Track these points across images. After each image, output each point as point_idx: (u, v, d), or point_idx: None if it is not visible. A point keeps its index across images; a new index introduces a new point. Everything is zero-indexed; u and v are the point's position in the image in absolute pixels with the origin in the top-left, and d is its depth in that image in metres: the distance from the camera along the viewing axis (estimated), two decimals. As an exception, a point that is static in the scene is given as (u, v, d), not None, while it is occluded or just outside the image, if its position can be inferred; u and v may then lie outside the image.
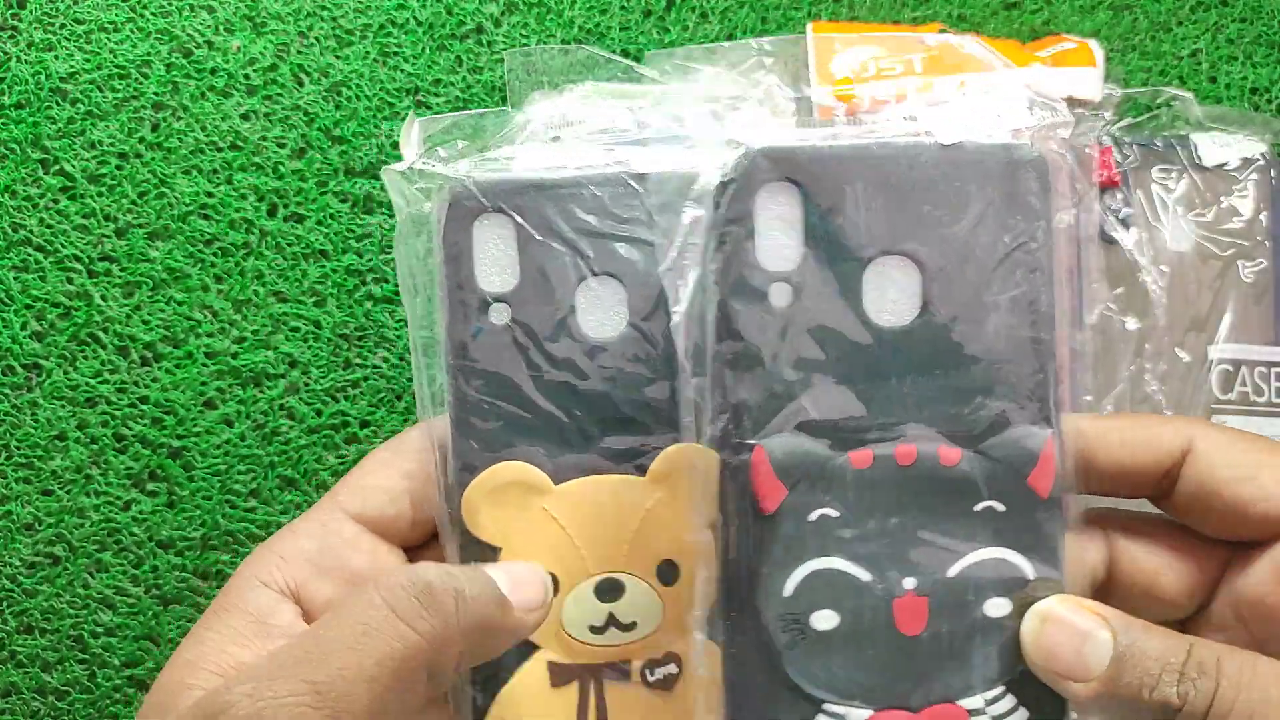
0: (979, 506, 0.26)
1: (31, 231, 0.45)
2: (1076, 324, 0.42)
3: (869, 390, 0.27)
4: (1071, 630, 0.26)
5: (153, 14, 0.45)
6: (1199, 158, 0.43)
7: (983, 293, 0.27)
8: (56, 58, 0.45)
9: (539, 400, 0.31)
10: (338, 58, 0.46)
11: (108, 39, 0.45)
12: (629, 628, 0.32)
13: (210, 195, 0.45)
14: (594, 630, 0.32)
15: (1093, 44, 0.44)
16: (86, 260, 0.45)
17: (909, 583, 0.26)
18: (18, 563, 0.44)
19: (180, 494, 0.44)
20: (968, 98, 0.29)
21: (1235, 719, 0.24)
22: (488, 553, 0.32)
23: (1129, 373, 0.43)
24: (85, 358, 0.44)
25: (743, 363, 0.27)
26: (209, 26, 0.45)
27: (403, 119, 0.45)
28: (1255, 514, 0.28)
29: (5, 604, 0.44)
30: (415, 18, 0.46)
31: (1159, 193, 0.43)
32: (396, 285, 0.44)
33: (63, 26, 0.45)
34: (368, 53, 0.46)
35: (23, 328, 0.44)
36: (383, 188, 0.42)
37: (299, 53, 0.46)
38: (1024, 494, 0.26)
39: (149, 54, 0.45)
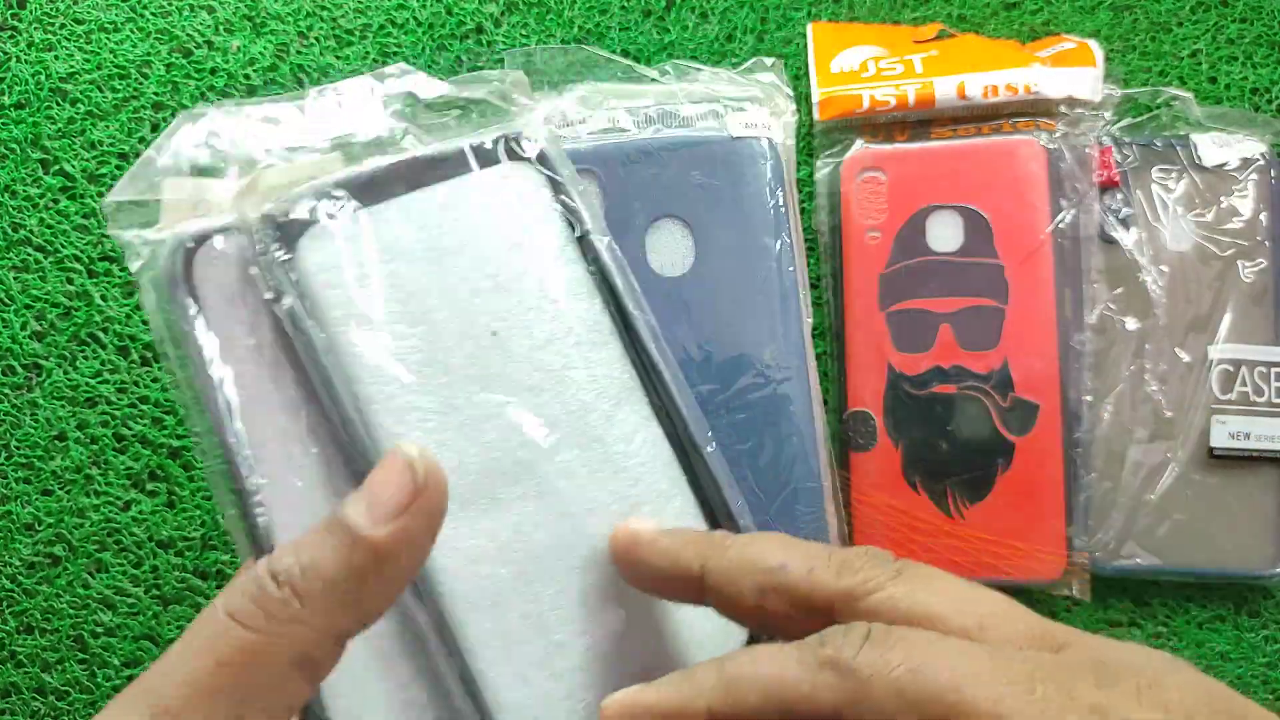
0: None
1: (32, 231, 0.45)
2: (1077, 324, 0.42)
3: None
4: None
5: (153, 14, 0.45)
6: (1199, 158, 0.43)
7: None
8: (56, 58, 0.45)
9: None
10: (337, 58, 0.46)
11: (108, 39, 0.45)
12: None
13: (210, 195, 0.45)
14: None
15: (1092, 44, 0.44)
16: (87, 260, 0.45)
17: None
18: (18, 563, 0.44)
19: (180, 494, 0.44)
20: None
21: None
22: None
23: (1129, 373, 0.43)
24: (85, 358, 0.44)
25: None
26: (209, 27, 0.46)
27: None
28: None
29: (5, 604, 0.44)
30: (415, 18, 0.46)
31: (1159, 193, 0.43)
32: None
33: (63, 26, 0.45)
34: (367, 53, 0.46)
35: (23, 328, 0.44)
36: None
37: (299, 53, 0.46)
38: None
39: (149, 54, 0.45)
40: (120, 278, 0.44)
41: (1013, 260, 0.41)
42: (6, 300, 0.44)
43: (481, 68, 0.46)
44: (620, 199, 0.37)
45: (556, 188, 0.31)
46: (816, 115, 0.44)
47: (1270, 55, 0.46)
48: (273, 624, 0.25)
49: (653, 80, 0.39)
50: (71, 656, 0.44)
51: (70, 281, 0.45)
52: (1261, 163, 0.43)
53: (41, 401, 0.44)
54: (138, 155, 0.45)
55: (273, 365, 0.29)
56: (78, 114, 0.45)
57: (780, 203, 0.37)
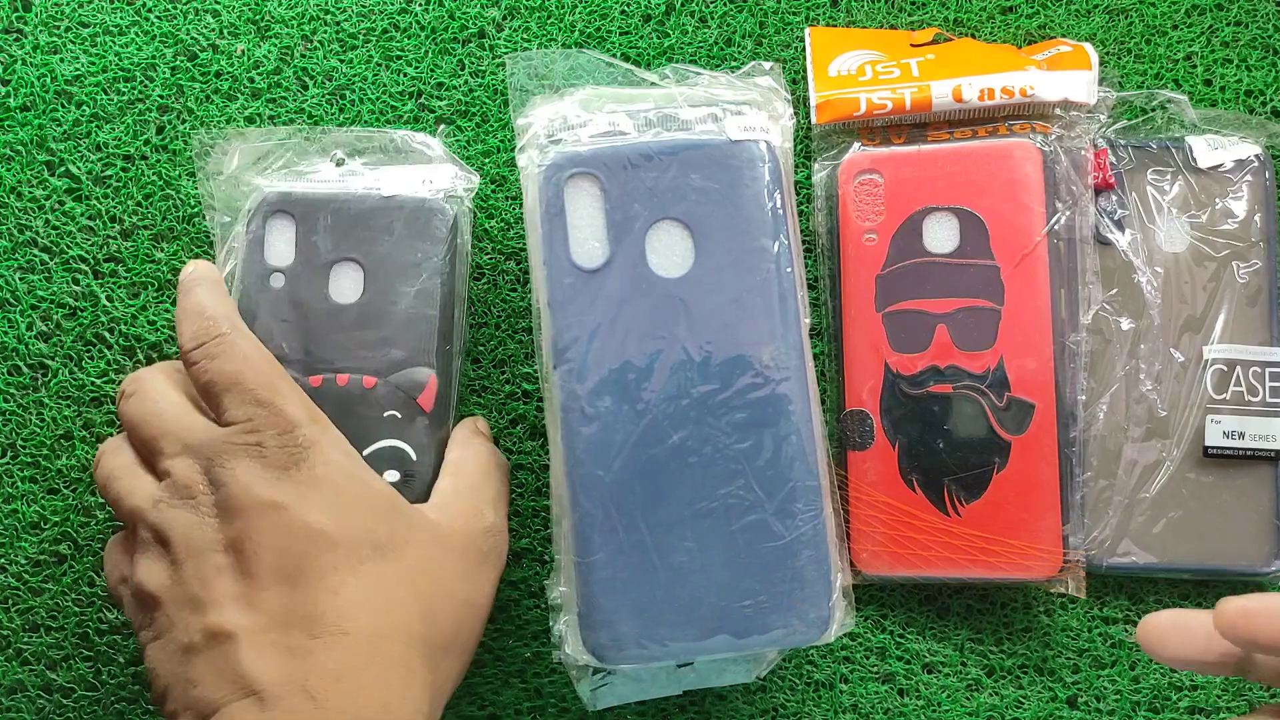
0: (385, 414, 0.40)
1: (38, 233, 0.45)
2: (1073, 324, 0.43)
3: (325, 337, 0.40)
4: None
5: (158, 17, 0.46)
6: (1194, 160, 0.44)
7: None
8: (62, 60, 0.46)
9: None
10: (341, 61, 0.46)
11: (113, 42, 0.46)
12: None
13: (215, 197, 0.45)
14: None
15: (1088, 48, 0.44)
16: (92, 261, 0.45)
17: None
18: (24, 561, 0.44)
19: (185, 493, 0.44)
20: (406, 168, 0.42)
21: None
22: None
23: (1124, 373, 0.43)
24: (91, 358, 0.45)
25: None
26: (214, 30, 0.46)
27: (406, 122, 0.46)
28: None
29: (11, 602, 0.44)
30: (418, 22, 0.46)
31: (1154, 195, 0.44)
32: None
33: (68, 29, 0.46)
34: (371, 56, 0.46)
35: (29, 328, 0.45)
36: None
37: (303, 56, 0.46)
38: (413, 408, 0.40)
39: (154, 57, 0.46)
40: (125, 279, 0.45)
41: (1008, 261, 0.42)
42: (13, 301, 0.45)
43: (484, 71, 0.46)
44: (620, 201, 0.37)
45: None
46: (814, 118, 0.44)
47: (1264, 58, 0.46)
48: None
49: (652, 84, 0.40)
50: (77, 654, 0.44)
51: (76, 282, 0.45)
52: (1256, 164, 0.43)
53: (48, 401, 0.45)
54: (143, 158, 0.45)
55: None
56: (83, 116, 0.45)
57: (778, 205, 0.37)
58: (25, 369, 0.45)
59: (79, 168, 0.45)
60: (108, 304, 0.45)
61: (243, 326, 0.37)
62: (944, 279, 0.42)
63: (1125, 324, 0.43)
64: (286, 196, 0.41)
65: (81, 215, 0.45)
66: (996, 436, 0.42)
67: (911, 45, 0.45)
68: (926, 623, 0.44)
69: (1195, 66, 0.46)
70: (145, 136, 0.45)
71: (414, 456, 0.40)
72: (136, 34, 0.46)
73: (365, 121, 0.46)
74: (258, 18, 0.46)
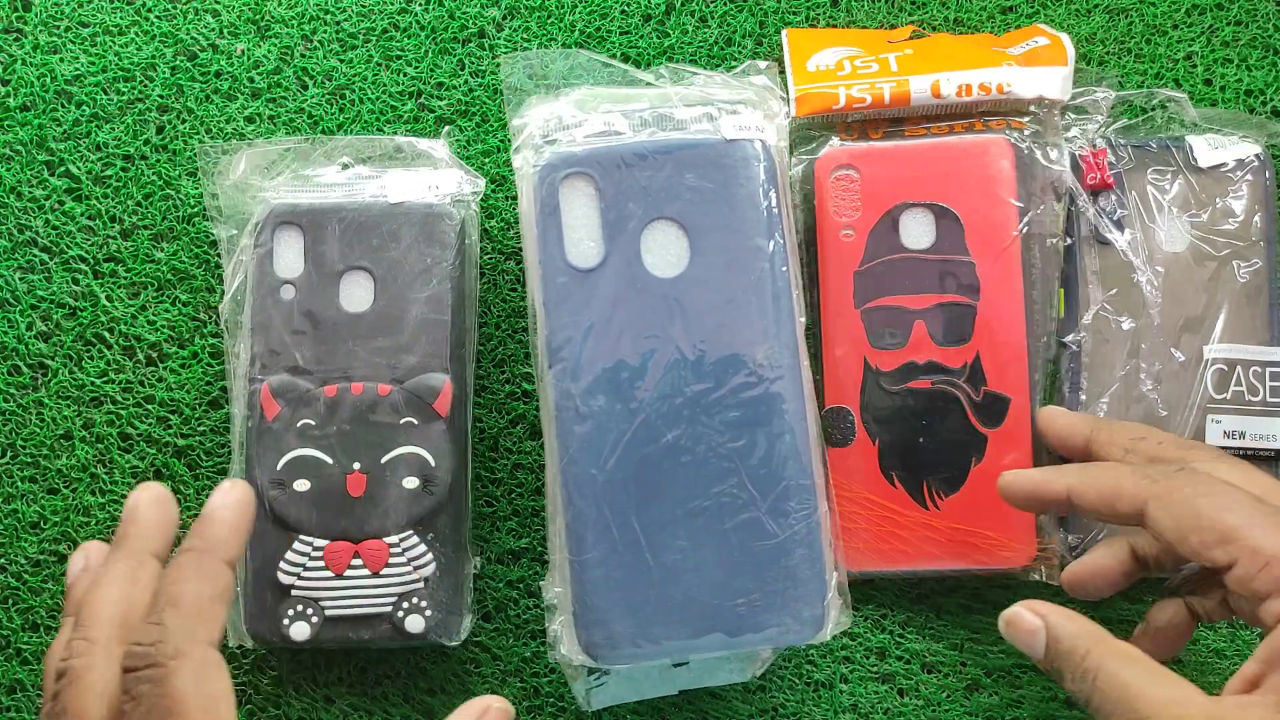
0: (402, 421, 0.41)
1: (38, 233, 0.45)
2: (1071, 324, 0.43)
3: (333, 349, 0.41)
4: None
5: (157, 17, 0.46)
6: (1194, 159, 0.44)
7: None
8: (62, 60, 0.46)
9: None
10: (341, 61, 0.46)
11: (113, 42, 0.46)
12: None
13: (214, 197, 0.45)
14: None
15: (1065, 39, 0.44)
16: (92, 261, 0.45)
17: (356, 465, 0.40)
18: (23, 560, 0.44)
19: (185, 493, 0.45)
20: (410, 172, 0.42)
21: None
22: None
23: (1124, 372, 0.43)
24: (91, 358, 0.45)
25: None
26: (213, 30, 0.46)
27: (406, 122, 0.46)
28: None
29: (11, 601, 0.44)
30: (418, 22, 0.46)
31: (1154, 194, 0.44)
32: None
33: (68, 29, 0.46)
34: (371, 56, 0.46)
35: (29, 328, 0.45)
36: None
37: (303, 56, 0.46)
38: (429, 413, 0.41)
39: (154, 57, 0.46)
40: (125, 278, 0.45)
41: (984, 257, 0.42)
42: (12, 301, 0.45)
43: (483, 71, 0.46)
44: (615, 201, 0.37)
45: None
46: (793, 111, 0.44)
47: (1264, 58, 0.46)
48: None
49: (648, 84, 0.40)
50: (77, 653, 0.44)
51: (76, 282, 0.45)
52: (1256, 164, 0.43)
53: (48, 401, 0.45)
54: (143, 158, 0.45)
55: None
56: (83, 116, 0.45)
57: (773, 204, 0.37)
58: (25, 369, 0.45)
59: (79, 168, 0.45)
60: (107, 304, 0.45)
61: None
62: (921, 275, 0.42)
63: (1125, 324, 0.43)
64: (294, 208, 0.41)
65: (81, 215, 0.45)
66: (973, 430, 0.42)
67: (889, 41, 0.45)
68: (925, 622, 0.44)
69: (1195, 66, 0.46)
70: (145, 136, 0.46)
71: (432, 462, 0.40)
72: (136, 34, 0.46)
73: (365, 121, 0.46)
74: (258, 18, 0.46)
